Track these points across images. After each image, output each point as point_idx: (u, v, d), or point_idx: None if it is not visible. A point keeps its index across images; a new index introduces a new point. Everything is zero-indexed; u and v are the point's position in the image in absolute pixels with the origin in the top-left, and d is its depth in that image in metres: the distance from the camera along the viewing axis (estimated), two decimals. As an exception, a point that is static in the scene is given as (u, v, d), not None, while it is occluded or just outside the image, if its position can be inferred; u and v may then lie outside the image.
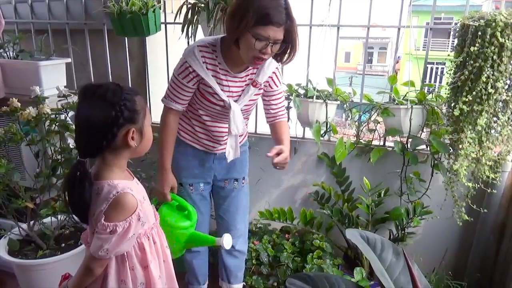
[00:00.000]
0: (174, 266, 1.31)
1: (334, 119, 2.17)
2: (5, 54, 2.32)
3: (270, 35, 1.33)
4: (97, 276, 1.13)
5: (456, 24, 1.70)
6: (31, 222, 2.07)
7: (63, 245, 2.09)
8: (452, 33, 1.71)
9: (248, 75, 1.56)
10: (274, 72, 1.59)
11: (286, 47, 1.43)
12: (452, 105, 1.69)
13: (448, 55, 1.73)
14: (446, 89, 1.74)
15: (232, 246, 1.80)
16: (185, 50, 1.53)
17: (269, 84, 1.61)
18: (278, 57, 1.49)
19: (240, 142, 1.66)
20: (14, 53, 2.33)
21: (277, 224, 2.22)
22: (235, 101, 1.56)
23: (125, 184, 1.08)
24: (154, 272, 1.17)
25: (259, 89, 1.60)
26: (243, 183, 1.77)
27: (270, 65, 1.56)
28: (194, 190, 1.73)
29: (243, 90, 1.58)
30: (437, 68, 15.59)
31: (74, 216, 2.10)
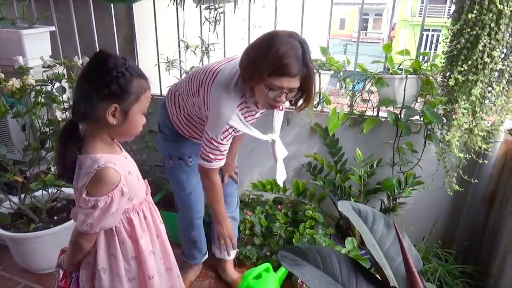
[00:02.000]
0: (173, 238, 1.32)
1: (328, 88, 2.14)
2: (-15, 22, 2.22)
3: (284, 85, 1.30)
4: (89, 250, 1.13)
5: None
6: (22, 196, 2.06)
7: (55, 218, 2.09)
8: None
9: None
10: None
11: (301, 94, 1.39)
12: (447, 74, 1.66)
13: (445, 22, 1.67)
14: (441, 58, 1.70)
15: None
16: (223, 108, 1.41)
17: None
18: (292, 102, 1.46)
19: None
20: (-6, 21, 2.23)
21: (270, 195, 2.23)
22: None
23: (109, 158, 1.05)
24: (145, 247, 1.17)
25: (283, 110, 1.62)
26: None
27: None
28: (193, 162, 1.71)
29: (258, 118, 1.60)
30: (432, 36, 15.38)
31: (64, 184, 2.10)
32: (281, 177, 1.73)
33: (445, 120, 1.73)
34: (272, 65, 1.26)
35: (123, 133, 1.10)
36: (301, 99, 1.42)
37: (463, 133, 1.65)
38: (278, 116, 1.61)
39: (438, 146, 1.76)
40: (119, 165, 1.07)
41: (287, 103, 1.52)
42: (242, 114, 1.46)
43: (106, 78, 1.00)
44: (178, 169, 1.72)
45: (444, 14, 14.58)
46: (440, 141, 1.76)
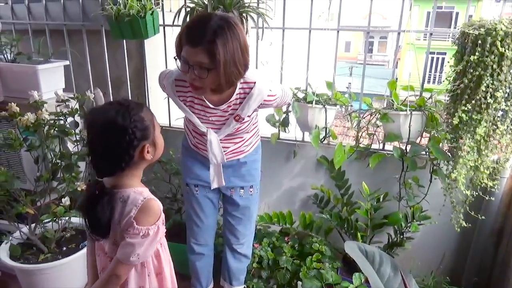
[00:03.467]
0: (180, 268, 1.35)
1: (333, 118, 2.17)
2: (3, 57, 2.30)
3: (186, 55, 1.27)
4: None
5: (456, 29, 1.68)
6: (32, 226, 2.09)
7: (64, 248, 2.11)
8: (451, 40, 1.69)
9: (230, 106, 1.47)
10: (265, 100, 1.46)
11: (215, 75, 1.28)
12: (451, 112, 1.68)
13: (452, 46, 1.69)
14: (445, 95, 1.74)
15: (236, 250, 1.83)
16: (163, 74, 1.52)
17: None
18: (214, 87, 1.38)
19: (239, 154, 1.66)
20: (12, 56, 2.32)
21: (277, 226, 2.24)
22: (216, 131, 1.54)
23: (147, 190, 1.15)
24: (168, 277, 1.24)
25: (242, 122, 1.51)
26: (250, 191, 1.75)
27: (258, 96, 1.44)
28: (199, 192, 1.74)
29: (225, 122, 1.52)
30: (437, 59, 15.50)
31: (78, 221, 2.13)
32: (215, 182, 1.68)
33: (450, 156, 1.75)
34: (181, 30, 1.30)
35: (156, 157, 1.18)
36: (219, 87, 1.36)
37: (469, 170, 1.66)
38: (232, 125, 1.51)
39: (444, 181, 1.78)
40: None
41: (247, 115, 1.49)
42: (178, 90, 1.48)
43: (128, 133, 1.05)
44: (187, 195, 1.79)
45: (448, 38, 14.72)
46: (446, 177, 1.77)
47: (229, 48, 1.24)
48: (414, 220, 1.91)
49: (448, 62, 1.70)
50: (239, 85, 1.43)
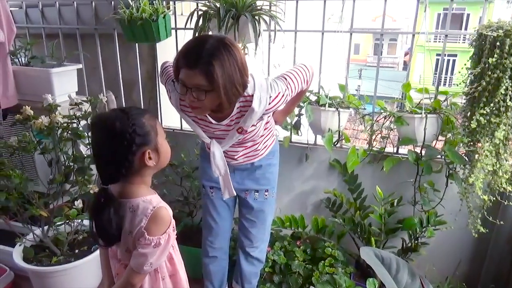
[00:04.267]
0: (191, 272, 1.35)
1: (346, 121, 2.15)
2: (17, 60, 2.33)
3: (184, 78, 1.26)
4: None
5: (474, 31, 1.65)
6: (45, 228, 2.10)
7: (76, 251, 2.12)
8: (468, 42, 1.66)
9: (233, 120, 1.46)
10: (268, 109, 1.43)
11: (213, 96, 1.28)
12: (468, 115, 1.65)
13: (467, 48, 1.66)
14: (462, 97, 1.71)
15: (250, 254, 1.82)
16: (166, 73, 1.52)
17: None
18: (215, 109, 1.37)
19: (253, 158, 1.65)
20: (26, 59, 2.34)
21: (289, 229, 2.22)
22: (220, 142, 1.53)
23: (156, 198, 1.14)
24: (183, 277, 1.25)
25: (245, 134, 1.50)
26: (266, 195, 1.73)
27: (259, 107, 1.40)
28: (215, 194, 1.74)
29: (228, 134, 1.51)
30: (448, 61, 15.33)
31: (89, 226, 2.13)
32: (226, 192, 1.66)
33: (467, 160, 1.71)
34: (177, 54, 1.29)
35: (162, 164, 1.16)
36: (219, 107, 1.35)
37: (487, 175, 1.63)
38: (235, 137, 1.50)
39: (461, 186, 1.74)
40: (164, 203, 1.15)
41: (251, 126, 1.46)
42: (182, 104, 1.46)
43: (127, 138, 1.04)
44: (203, 196, 1.80)
45: (460, 39, 14.56)
46: (462, 181, 1.74)
47: (226, 68, 1.24)
48: (429, 225, 1.88)
49: (465, 64, 1.67)
50: (238, 100, 1.41)
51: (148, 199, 1.11)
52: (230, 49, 1.26)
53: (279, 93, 1.43)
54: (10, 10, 2.29)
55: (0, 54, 2.18)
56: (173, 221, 1.14)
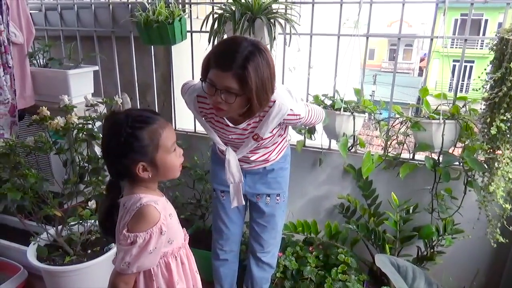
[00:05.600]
0: (202, 275, 1.31)
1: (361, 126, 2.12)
2: (36, 62, 2.37)
3: (214, 78, 1.24)
4: None
5: (496, 35, 1.61)
6: (59, 228, 2.12)
7: (89, 251, 2.13)
8: (488, 46, 1.62)
9: (250, 124, 1.45)
10: (285, 119, 1.42)
11: (245, 104, 1.28)
12: (488, 121, 1.61)
13: (486, 54, 1.62)
14: (481, 103, 1.66)
15: (260, 259, 1.80)
16: (186, 88, 1.52)
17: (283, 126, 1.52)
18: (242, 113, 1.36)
19: (265, 163, 1.63)
20: (44, 61, 2.38)
21: (301, 235, 2.19)
22: (235, 150, 1.52)
23: (151, 197, 1.09)
24: None
25: (260, 141, 1.48)
26: (277, 200, 1.71)
27: (277, 115, 1.39)
28: (226, 198, 1.72)
29: (245, 140, 1.49)
30: (465, 67, 15.09)
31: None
32: (235, 201, 1.65)
33: (486, 167, 1.67)
34: (209, 53, 1.27)
35: (162, 177, 1.13)
36: (248, 112, 1.33)
37: (507, 183, 1.58)
38: (250, 145, 1.50)
39: (480, 194, 1.70)
40: (161, 205, 1.10)
41: (267, 133, 1.44)
42: (200, 107, 1.47)
43: (121, 143, 1.03)
44: (214, 200, 1.79)
45: (477, 45, 14.32)
46: (481, 189, 1.69)
47: (259, 74, 1.23)
48: (446, 234, 1.83)
49: (485, 69, 1.63)
50: None
51: (140, 197, 1.07)
52: (264, 54, 1.25)
53: (299, 114, 1.43)
54: (30, 13, 2.34)
55: (19, 56, 2.22)
56: (163, 226, 1.07)
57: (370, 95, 14.04)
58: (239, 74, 1.21)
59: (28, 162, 2.00)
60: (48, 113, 1.95)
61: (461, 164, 1.78)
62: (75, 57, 2.42)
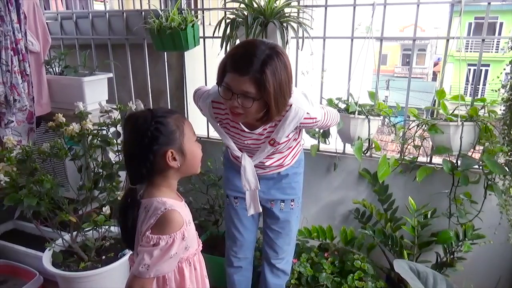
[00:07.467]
0: (216, 282, 1.29)
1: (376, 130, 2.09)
2: (52, 70, 2.41)
3: (230, 82, 1.22)
4: None
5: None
6: (74, 234, 2.13)
7: (103, 257, 2.13)
8: (508, 45, 1.58)
9: (266, 129, 1.43)
10: (302, 123, 1.40)
11: (263, 109, 1.25)
12: (508, 123, 1.57)
13: (502, 56, 1.59)
14: (501, 105, 1.62)
15: (275, 266, 1.77)
16: (199, 93, 1.51)
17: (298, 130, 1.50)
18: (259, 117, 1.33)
19: (280, 168, 1.61)
20: (60, 69, 2.42)
21: (316, 240, 2.16)
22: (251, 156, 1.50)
23: (174, 202, 1.09)
24: None
25: (277, 146, 1.45)
26: (291, 205, 1.69)
27: (294, 119, 1.37)
28: (239, 204, 1.70)
29: (261, 145, 1.47)
30: (480, 71, 14.86)
31: (117, 230, 2.15)
32: (251, 208, 1.62)
33: (507, 170, 1.62)
34: (226, 57, 1.25)
35: (189, 168, 1.13)
36: (265, 117, 1.31)
37: (530, 186, 1.53)
38: (267, 150, 1.48)
39: (501, 197, 1.64)
40: (182, 211, 1.10)
41: (283, 138, 1.42)
42: (215, 112, 1.45)
43: (148, 136, 1.03)
44: (227, 206, 1.76)
45: (492, 49, 14.08)
46: (502, 192, 1.64)
47: (277, 78, 1.21)
48: (466, 239, 1.78)
49: (504, 69, 1.59)
50: None
51: (163, 200, 1.07)
52: (282, 58, 1.23)
53: (316, 117, 1.41)
54: (46, 22, 2.38)
55: (36, 64, 2.26)
56: (185, 231, 1.07)
57: (384, 101, 13.92)
58: (256, 78, 1.19)
59: (44, 168, 2.02)
60: (64, 119, 1.97)
61: (481, 167, 1.74)
62: (90, 65, 2.45)
